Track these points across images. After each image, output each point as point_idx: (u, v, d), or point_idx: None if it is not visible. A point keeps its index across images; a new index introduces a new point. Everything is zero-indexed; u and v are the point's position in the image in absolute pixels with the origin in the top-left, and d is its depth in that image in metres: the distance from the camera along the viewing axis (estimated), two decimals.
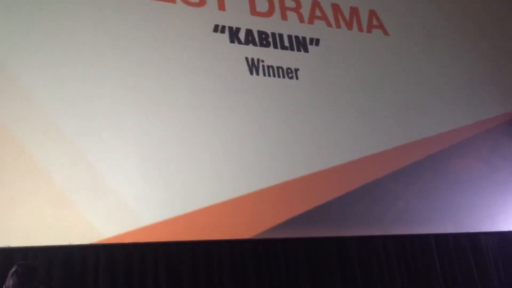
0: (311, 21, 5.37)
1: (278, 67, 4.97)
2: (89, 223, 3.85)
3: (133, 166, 4.11)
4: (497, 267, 5.28)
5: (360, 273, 4.69)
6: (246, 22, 5.03)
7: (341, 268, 4.63)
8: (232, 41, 4.89)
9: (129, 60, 4.39)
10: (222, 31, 4.89)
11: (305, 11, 5.38)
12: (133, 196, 4.06)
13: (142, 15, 4.61)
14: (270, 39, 5.07)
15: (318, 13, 5.46)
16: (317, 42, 5.28)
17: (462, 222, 5.19)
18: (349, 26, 5.55)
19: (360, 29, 5.59)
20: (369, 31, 5.63)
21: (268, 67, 4.93)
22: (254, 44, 4.98)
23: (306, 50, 5.19)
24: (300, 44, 5.19)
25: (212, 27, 4.86)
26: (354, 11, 5.65)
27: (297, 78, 5.03)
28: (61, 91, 4.06)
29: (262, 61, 4.93)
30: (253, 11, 5.12)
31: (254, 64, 4.89)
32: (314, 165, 4.81)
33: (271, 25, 5.14)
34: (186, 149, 4.37)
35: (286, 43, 5.13)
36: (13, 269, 2.70)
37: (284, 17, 5.26)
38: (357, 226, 4.80)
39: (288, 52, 5.11)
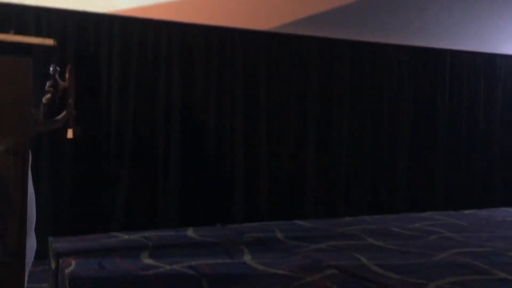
0: None
1: None
2: None
3: None
4: (505, 90, 5.31)
5: (370, 80, 4.75)
6: None
7: (352, 73, 4.68)
8: None
9: None
10: None
11: None
12: None
13: None
14: None
15: None
16: None
17: (482, 42, 5.08)
18: None
19: None
20: None
21: None
22: None
23: None
24: None
25: None
26: None
27: None
28: None
29: None
30: None
31: None
32: None
33: None
34: None
35: None
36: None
37: None
38: (376, 33, 4.69)
39: None
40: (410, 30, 4.79)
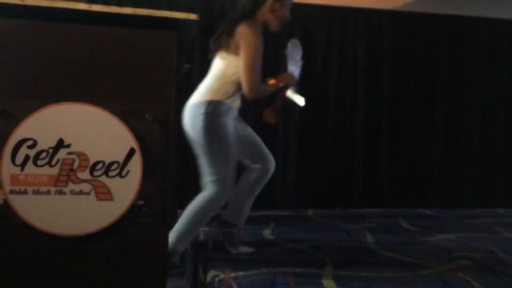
0: None
1: None
2: None
3: None
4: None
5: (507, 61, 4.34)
6: None
7: (488, 52, 4.31)
8: None
9: None
10: None
11: None
12: None
13: None
14: None
15: None
16: None
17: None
18: None
19: None
20: None
21: None
22: None
23: None
24: None
25: None
26: None
27: None
28: None
29: None
30: None
31: None
32: None
33: None
34: None
35: None
36: None
37: None
38: None
39: None
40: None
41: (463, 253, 2.48)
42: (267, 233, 2.86)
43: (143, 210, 1.55)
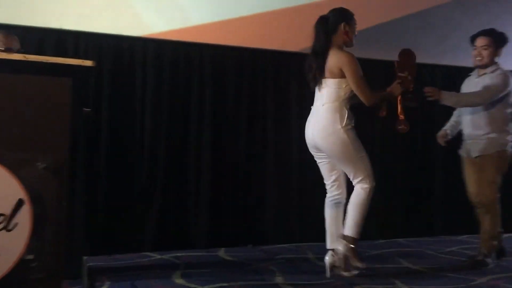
0: None
1: None
2: (139, 15, 3.86)
3: None
4: None
5: None
6: None
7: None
8: None
9: None
10: None
11: None
12: None
13: None
14: None
15: None
16: None
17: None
18: None
19: None
20: None
21: None
22: None
23: None
24: None
25: None
26: None
27: None
28: None
29: None
30: None
31: None
32: None
33: None
34: None
35: None
36: None
37: None
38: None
39: None
40: (441, 49, 4.73)
41: (365, 286, 2.59)
42: (177, 275, 2.82)
43: (33, 265, 1.47)
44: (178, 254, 3.42)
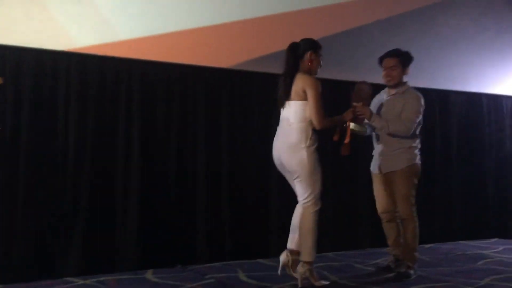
0: None
1: None
2: (62, 28, 3.70)
3: None
4: (460, 126, 5.48)
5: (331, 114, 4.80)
6: None
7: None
8: None
9: None
10: None
11: None
12: (109, 7, 3.88)
13: None
14: None
15: None
16: None
17: (434, 79, 5.29)
18: None
19: None
20: None
21: None
22: None
23: None
24: None
25: None
26: None
27: None
28: None
29: None
30: None
31: None
32: (303, 2, 4.64)
33: None
34: None
35: None
36: None
37: None
38: (335, 70, 4.78)
39: None
40: (368, 66, 4.91)
41: None
42: None
43: None
44: (102, 278, 3.28)
